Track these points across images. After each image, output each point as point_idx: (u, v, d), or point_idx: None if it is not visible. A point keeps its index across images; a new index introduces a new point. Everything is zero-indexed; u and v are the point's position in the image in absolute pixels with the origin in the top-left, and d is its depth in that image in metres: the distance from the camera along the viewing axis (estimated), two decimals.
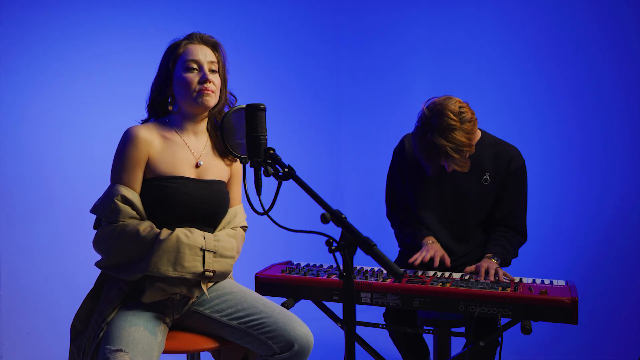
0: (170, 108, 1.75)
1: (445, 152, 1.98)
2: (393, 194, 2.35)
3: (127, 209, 1.60)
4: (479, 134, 2.19)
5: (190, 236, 1.61)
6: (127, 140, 1.66)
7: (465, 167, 2.05)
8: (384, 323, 2.16)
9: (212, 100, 1.71)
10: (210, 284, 1.74)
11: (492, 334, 1.93)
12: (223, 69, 1.78)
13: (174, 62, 1.72)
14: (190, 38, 1.74)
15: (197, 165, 1.73)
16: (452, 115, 1.97)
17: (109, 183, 1.68)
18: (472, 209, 2.20)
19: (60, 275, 2.87)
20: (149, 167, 1.67)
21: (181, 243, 1.58)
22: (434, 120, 1.99)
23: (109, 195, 1.62)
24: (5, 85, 2.78)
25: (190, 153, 1.74)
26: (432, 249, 2.12)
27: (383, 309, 2.23)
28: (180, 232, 1.60)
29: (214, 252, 1.64)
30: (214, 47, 1.77)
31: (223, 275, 1.68)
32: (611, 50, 3.22)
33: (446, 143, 1.96)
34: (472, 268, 2.07)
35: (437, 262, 2.07)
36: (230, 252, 1.68)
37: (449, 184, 2.20)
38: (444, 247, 2.21)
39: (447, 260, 2.10)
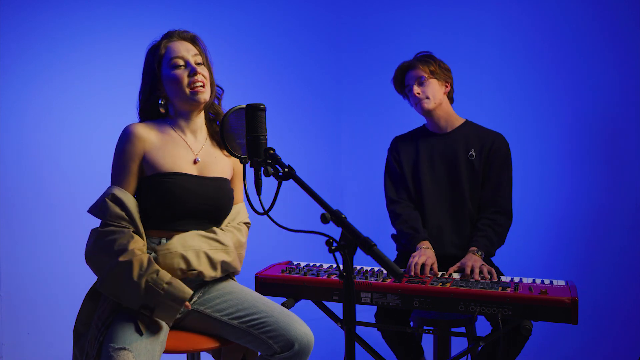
0: (163, 111, 1.75)
1: (419, 59, 2.33)
2: (390, 181, 2.41)
3: (114, 207, 1.61)
4: (461, 119, 2.39)
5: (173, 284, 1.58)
6: (123, 137, 1.69)
7: (425, 74, 2.30)
8: (384, 324, 2.16)
9: (205, 94, 1.73)
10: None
11: (494, 334, 1.93)
12: (207, 61, 1.79)
13: (159, 63, 1.73)
14: (169, 36, 1.76)
15: (195, 162, 1.74)
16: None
17: (109, 183, 1.70)
18: (464, 187, 2.29)
19: (60, 275, 2.87)
20: (147, 163, 1.68)
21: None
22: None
23: (102, 195, 1.65)
24: (5, 85, 2.78)
25: (188, 150, 1.74)
26: (424, 254, 2.13)
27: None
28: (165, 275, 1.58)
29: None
30: (193, 40, 1.78)
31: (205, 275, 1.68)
32: (611, 49, 3.22)
33: (423, 55, 2.37)
34: (456, 266, 2.11)
35: (427, 271, 2.08)
36: (225, 256, 1.71)
37: (440, 164, 2.33)
38: (443, 228, 2.30)
39: (435, 269, 2.12)
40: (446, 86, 2.33)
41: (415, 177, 2.35)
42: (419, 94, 2.28)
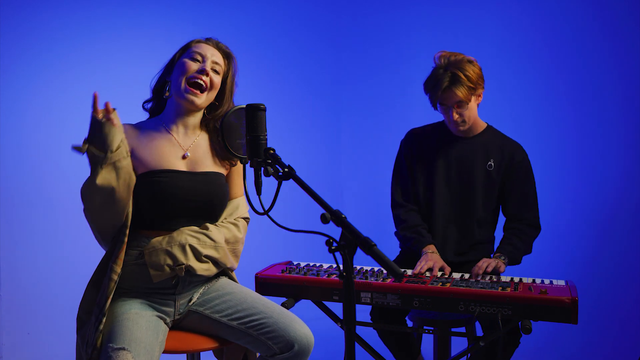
0: (167, 95, 1.76)
1: (451, 74, 2.10)
2: (398, 183, 2.36)
3: None
4: (484, 124, 2.30)
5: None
6: None
7: (463, 99, 2.11)
8: (384, 323, 2.16)
9: (198, 100, 1.72)
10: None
11: (493, 334, 1.93)
12: (231, 80, 1.81)
13: (182, 52, 1.77)
14: (208, 39, 1.80)
15: (184, 157, 1.74)
16: (464, 55, 2.18)
17: None
18: (477, 195, 2.24)
19: (60, 275, 2.87)
20: (136, 159, 1.69)
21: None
22: (445, 57, 2.18)
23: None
24: (5, 85, 2.78)
25: (177, 146, 1.75)
26: (431, 259, 2.12)
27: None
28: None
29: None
30: (226, 55, 1.81)
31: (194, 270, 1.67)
32: (610, 49, 3.22)
33: (456, 66, 2.12)
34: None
35: (435, 273, 2.08)
36: (216, 252, 1.70)
37: (456, 167, 2.26)
38: (450, 240, 2.26)
39: (447, 271, 2.11)
40: (479, 97, 2.21)
41: (428, 180, 2.29)
42: (457, 119, 2.17)
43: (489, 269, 2.02)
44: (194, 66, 1.71)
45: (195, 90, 1.71)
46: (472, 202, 2.25)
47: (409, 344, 2.26)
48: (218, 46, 1.80)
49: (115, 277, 1.60)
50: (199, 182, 1.71)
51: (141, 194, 1.66)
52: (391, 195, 2.39)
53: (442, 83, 2.10)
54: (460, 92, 2.09)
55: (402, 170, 2.35)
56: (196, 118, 1.80)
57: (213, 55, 1.75)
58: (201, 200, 1.70)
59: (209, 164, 1.77)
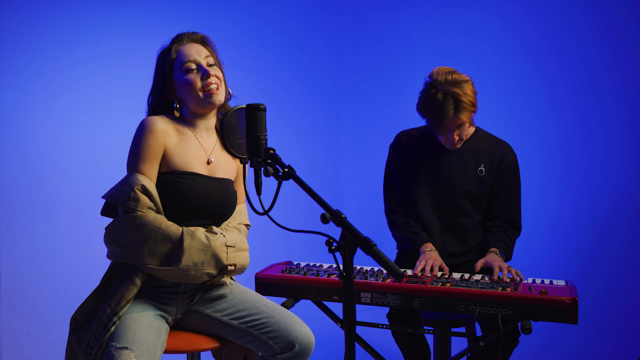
0: (177, 115, 1.73)
1: (454, 101, 2.03)
2: (391, 189, 2.35)
3: (145, 199, 1.58)
4: (472, 128, 2.26)
5: (213, 239, 1.62)
6: (145, 130, 1.64)
7: (467, 122, 2.09)
8: (384, 323, 2.16)
9: (220, 96, 1.70)
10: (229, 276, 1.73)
11: (493, 334, 1.93)
12: (218, 61, 1.77)
13: (170, 68, 1.70)
14: (179, 40, 1.74)
15: (209, 162, 1.74)
16: (459, 74, 2.10)
17: (110, 183, 1.69)
18: (471, 203, 2.23)
19: (61, 275, 2.87)
20: (165, 160, 1.66)
21: (207, 246, 1.60)
22: (442, 76, 2.09)
23: (128, 183, 1.59)
24: (5, 85, 2.78)
25: (202, 149, 1.74)
26: (430, 258, 2.11)
27: (384, 309, 2.23)
28: (201, 233, 1.61)
29: (234, 247, 1.66)
30: (203, 41, 1.76)
31: (242, 268, 1.69)
32: (610, 49, 3.22)
33: (457, 90, 2.04)
34: (482, 262, 2.08)
35: (435, 272, 2.07)
36: (245, 245, 1.71)
37: (445, 176, 2.23)
38: (441, 243, 2.23)
39: (446, 270, 2.10)
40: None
41: (418, 190, 2.26)
42: (457, 139, 2.15)
43: (515, 278, 1.99)
44: (196, 78, 1.67)
45: (213, 91, 1.68)
46: (466, 210, 2.24)
47: (423, 348, 2.26)
48: (192, 39, 1.74)
49: (139, 283, 1.59)
50: (214, 188, 1.71)
51: (160, 192, 1.64)
52: (384, 202, 2.37)
53: (447, 111, 2.05)
54: (465, 117, 2.07)
55: (393, 175, 2.33)
56: (214, 119, 1.79)
57: (200, 53, 1.71)
58: (215, 205, 1.70)
59: (224, 171, 1.77)
